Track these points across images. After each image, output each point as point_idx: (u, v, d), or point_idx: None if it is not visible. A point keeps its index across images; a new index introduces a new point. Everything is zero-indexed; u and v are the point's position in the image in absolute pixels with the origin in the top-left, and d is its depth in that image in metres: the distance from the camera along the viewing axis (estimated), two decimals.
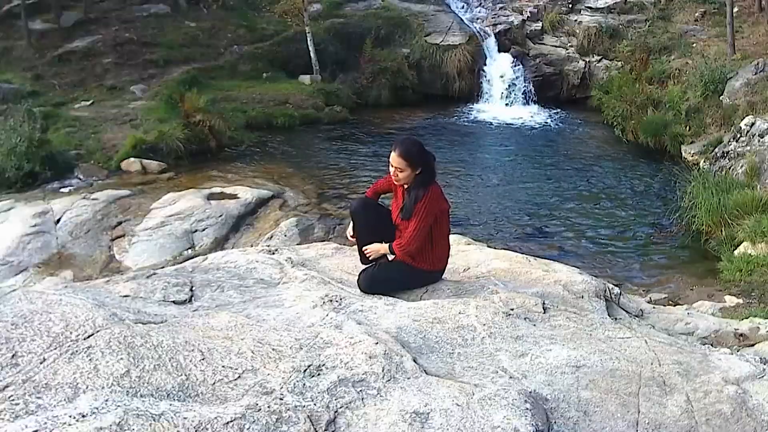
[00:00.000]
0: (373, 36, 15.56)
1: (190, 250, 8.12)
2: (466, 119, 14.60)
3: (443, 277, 3.95)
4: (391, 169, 3.62)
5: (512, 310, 3.48)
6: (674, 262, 8.23)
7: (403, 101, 15.23)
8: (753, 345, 4.10)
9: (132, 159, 10.87)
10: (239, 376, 2.48)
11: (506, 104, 15.31)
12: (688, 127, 11.88)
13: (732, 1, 13.63)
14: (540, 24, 16.63)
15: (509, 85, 15.41)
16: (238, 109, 12.91)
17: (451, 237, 5.49)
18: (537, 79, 15.52)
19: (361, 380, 2.56)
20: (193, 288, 3.53)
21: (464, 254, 4.57)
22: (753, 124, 9.77)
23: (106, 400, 2.20)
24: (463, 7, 17.31)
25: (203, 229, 8.53)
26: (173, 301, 3.34)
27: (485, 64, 15.62)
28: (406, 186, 3.70)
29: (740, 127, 9.97)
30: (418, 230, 3.58)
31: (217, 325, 2.92)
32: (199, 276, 3.74)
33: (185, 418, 2.16)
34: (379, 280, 3.67)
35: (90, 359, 2.42)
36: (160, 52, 14.69)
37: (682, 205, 8.87)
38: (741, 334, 4.26)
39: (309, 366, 2.59)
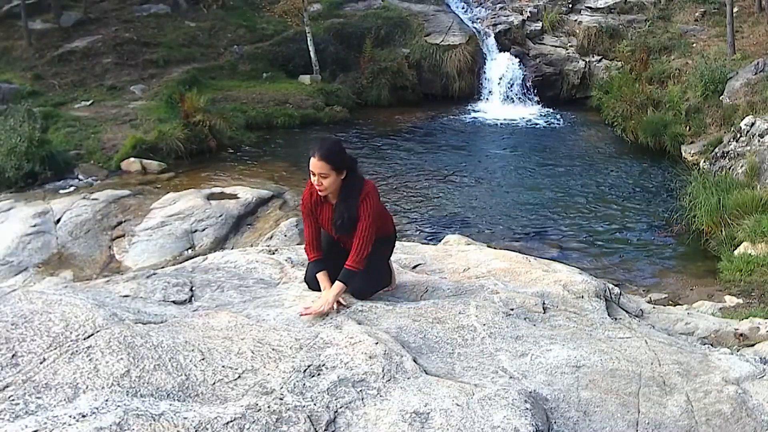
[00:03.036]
0: (373, 36, 15.57)
1: (190, 250, 8.13)
2: (466, 119, 14.60)
3: (444, 277, 3.94)
4: (314, 178, 3.20)
5: (512, 310, 3.48)
6: (674, 262, 8.23)
7: (403, 101, 15.24)
8: (753, 345, 4.10)
9: (132, 159, 10.88)
10: (239, 376, 2.48)
11: (506, 104, 15.31)
12: (688, 127, 11.89)
13: (732, 1, 13.63)
14: (540, 24, 16.63)
15: (509, 85, 15.41)
16: (238, 109, 12.93)
17: (451, 237, 5.50)
18: (537, 79, 15.52)
19: (361, 380, 2.56)
20: (193, 288, 3.53)
21: (464, 254, 4.57)
22: (753, 124, 9.78)
23: (106, 400, 2.20)
24: (463, 7, 17.32)
25: (203, 229, 8.53)
26: (173, 301, 3.34)
27: (485, 64, 15.62)
28: (333, 199, 3.31)
29: (740, 127, 9.97)
30: (368, 235, 3.24)
31: (217, 325, 2.92)
32: (199, 276, 3.74)
33: (185, 418, 2.16)
34: (371, 283, 3.45)
35: (90, 359, 2.42)
36: (160, 52, 14.71)
37: (682, 205, 8.87)
38: (741, 334, 4.26)
39: (309, 366, 2.59)
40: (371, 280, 3.43)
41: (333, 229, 3.36)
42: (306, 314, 3.07)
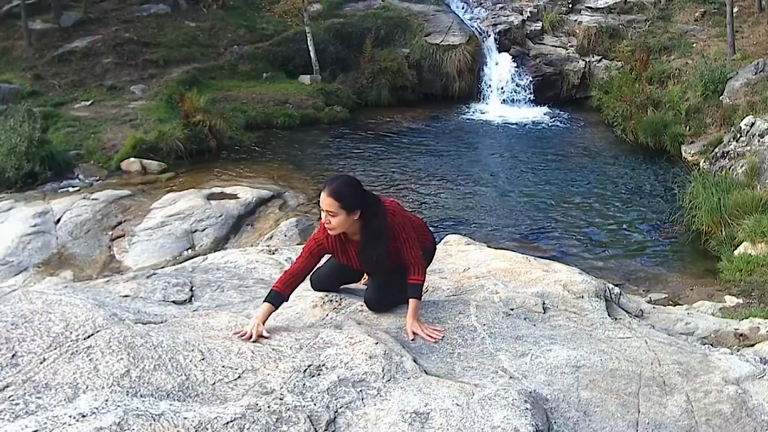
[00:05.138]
0: (373, 36, 15.57)
1: (190, 250, 8.13)
2: (466, 119, 14.60)
3: (444, 277, 3.94)
4: (323, 214, 3.01)
5: (512, 310, 3.48)
6: (674, 262, 8.23)
7: (403, 101, 15.25)
8: (753, 345, 4.10)
9: (132, 159, 10.88)
10: (239, 376, 2.48)
11: (506, 104, 15.31)
12: (688, 127, 11.89)
13: (732, 1, 13.63)
14: (540, 24, 16.63)
15: (509, 85, 15.41)
16: (238, 109, 12.93)
17: (451, 237, 5.49)
18: (537, 79, 15.52)
19: (361, 380, 2.56)
20: (193, 288, 3.53)
21: (464, 254, 4.56)
22: (753, 124, 9.78)
23: (106, 400, 2.20)
24: (463, 7, 17.32)
25: (203, 229, 8.53)
26: (173, 301, 3.34)
27: (485, 64, 15.63)
28: (354, 237, 3.11)
29: (740, 127, 9.97)
30: (415, 252, 3.15)
31: (217, 325, 2.92)
32: (199, 276, 3.74)
33: (185, 418, 2.16)
34: (392, 298, 3.31)
35: (90, 359, 2.42)
36: (160, 52, 14.71)
37: (682, 205, 8.87)
38: (741, 334, 4.26)
39: (309, 366, 2.59)
40: (391, 299, 3.30)
41: (362, 269, 3.27)
42: (427, 337, 3.04)
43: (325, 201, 2.94)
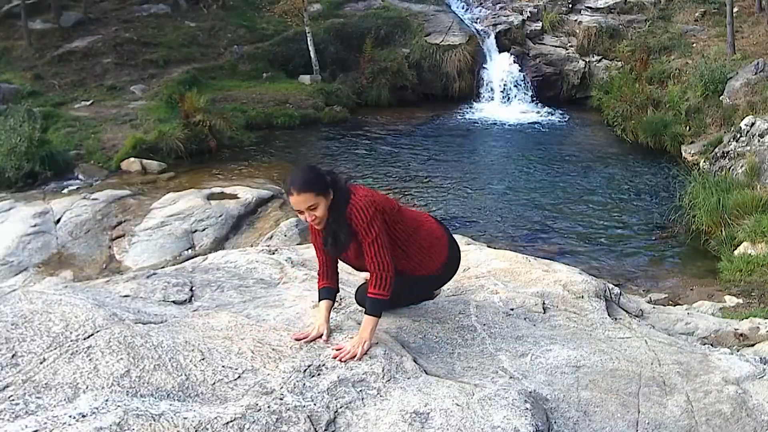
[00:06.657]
0: (373, 36, 15.57)
1: (190, 250, 8.12)
2: (466, 119, 14.60)
3: None
4: (303, 216, 2.73)
5: (512, 310, 3.48)
6: (674, 262, 8.23)
7: (403, 101, 15.25)
8: (753, 345, 4.11)
9: (132, 159, 10.89)
10: (239, 376, 2.48)
11: (506, 104, 15.32)
12: (688, 127, 11.90)
13: (732, 1, 13.64)
14: (540, 24, 16.64)
15: (509, 85, 15.41)
16: (238, 109, 12.93)
17: None
18: (537, 79, 15.52)
19: (361, 380, 2.56)
20: (193, 288, 3.52)
21: (464, 254, 4.54)
22: (753, 124, 9.78)
23: (106, 400, 2.20)
24: (463, 7, 17.32)
25: (203, 229, 8.52)
26: (173, 301, 3.34)
27: (485, 64, 15.62)
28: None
29: (740, 127, 9.98)
30: (378, 252, 2.73)
31: (217, 325, 2.92)
32: (199, 276, 3.73)
33: (185, 418, 2.16)
34: (392, 300, 2.91)
35: (90, 359, 2.42)
36: (160, 52, 14.71)
37: (682, 205, 8.88)
38: (741, 334, 4.26)
39: (309, 366, 2.59)
40: (392, 301, 2.93)
41: (328, 251, 2.92)
42: (340, 358, 2.63)
43: (300, 199, 2.67)
